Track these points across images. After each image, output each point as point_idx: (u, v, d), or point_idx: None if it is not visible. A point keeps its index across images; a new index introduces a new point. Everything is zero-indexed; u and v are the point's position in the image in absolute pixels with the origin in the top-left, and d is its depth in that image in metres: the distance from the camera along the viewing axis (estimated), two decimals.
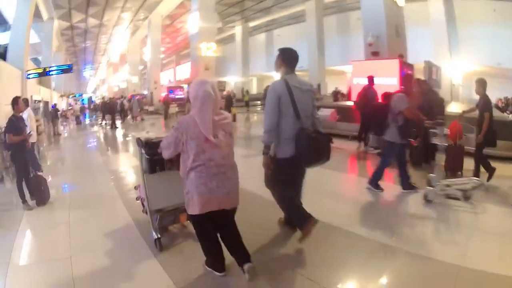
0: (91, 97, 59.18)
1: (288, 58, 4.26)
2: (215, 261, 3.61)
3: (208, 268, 3.68)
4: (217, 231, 3.58)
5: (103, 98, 43.96)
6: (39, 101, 26.82)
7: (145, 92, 43.06)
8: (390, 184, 6.75)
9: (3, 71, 18.21)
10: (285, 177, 4.21)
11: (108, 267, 4.06)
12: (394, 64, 13.31)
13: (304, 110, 4.09)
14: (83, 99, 53.25)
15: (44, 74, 25.03)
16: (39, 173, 7.13)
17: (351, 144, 11.17)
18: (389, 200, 6.14)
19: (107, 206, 6.37)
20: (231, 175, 3.42)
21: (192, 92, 3.43)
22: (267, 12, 38.39)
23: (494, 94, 23.68)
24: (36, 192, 6.56)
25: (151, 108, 36.16)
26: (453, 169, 7.44)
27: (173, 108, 29.65)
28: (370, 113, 8.84)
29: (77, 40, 44.88)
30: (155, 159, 4.25)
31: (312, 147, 3.96)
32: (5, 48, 22.84)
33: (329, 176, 7.50)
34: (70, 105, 45.12)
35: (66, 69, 27.18)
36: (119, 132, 20.99)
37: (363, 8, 17.30)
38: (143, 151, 4.37)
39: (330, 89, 32.64)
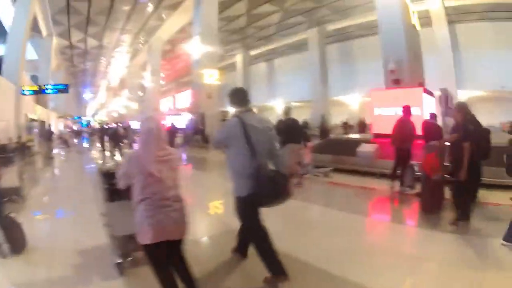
0: (89, 121, 58.98)
1: (237, 100, 4.31)
2: None
3: None
4: (169, 262, 3.60)
5: (100, 122, 43.71)
6: (35, 120, 26.47)
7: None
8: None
9: None
10: (249, 214, 4.18)
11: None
12: (418, 92, 12.61)
13: (261, 148, 4.03)
14: (82, 122, 53.10)
15: (39, 92, 24.85)
16: (11, 215, 5.52)
17: (381, 183, 9.71)
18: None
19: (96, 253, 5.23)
20: (177, 207, 3.46)
21: (139, 128, 3.63)
22: (268, 40, 38.39)
23: (498, 118, 24.09)
24: (9, 237, 5.20)
25: None
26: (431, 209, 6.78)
27: (179, 138, 27.84)
28: (408, 149, 8.61)
29: (77, 60, 45.13)
30: (113, 189, 4.52)
31: (271, 186, 3.93)
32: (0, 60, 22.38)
33: (358, 223, 6.58)
34: (68, 127, 44.68)
35: (62, 89, 26.93)
36: (112, 159, 18.67)
37: (382, 32, 16.41)
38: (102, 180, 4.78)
39: (334, 120, 32.27)
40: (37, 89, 24.41)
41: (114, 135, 19.61)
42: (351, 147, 11.99)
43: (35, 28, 28.13)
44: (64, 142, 27.82)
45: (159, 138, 3.48)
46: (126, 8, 29.70)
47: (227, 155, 4.19)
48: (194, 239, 5.11)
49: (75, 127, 45.22)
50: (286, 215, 6.40)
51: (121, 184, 3.55)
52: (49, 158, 19.75)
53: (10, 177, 8.69)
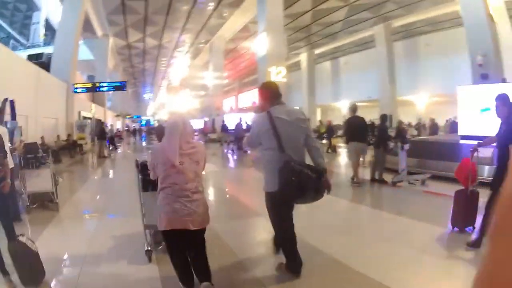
0: (149, 120, 60.23)
1: (268, 95, 4.24)
2: (183, 277, 3.77)
3: (181, 285, 3.82)
4: (184, 249, 3.78)
5: (158, 121, 43.93)
6: (89, 118, 26.19)
7: (206, 119, 41.97)
8: None
9: (43, 81, 17.55)
10: (276, 211, 4.17)
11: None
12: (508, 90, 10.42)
13: (292, 141, 3.96)
14: (141, 121, 53.94)
15: (93, 89, 24.64)
16: (21, 239, 4.14)
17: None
18: None
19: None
20: (196, 198, 3.58)
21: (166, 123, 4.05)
22: (333, 38, 36.39)
23: None
24: (20, 268, 3.99)
25: (213, 136, 33.69)
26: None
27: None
28: None
29: (135, 60, 45.97)
30: (147, 179, 4.69)
31: (295, 182, 3.74)
32: (49, 58, 22.56)
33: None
34: (126, 125, 45.16)
35: (118, 86, 26.76)
36: None
37: (467, 23, 15.28)
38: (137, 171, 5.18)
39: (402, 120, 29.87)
40: (90, 86, 23.90)
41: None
42: (442, 150, 11.46)
43: (89, 29, 28.85)
44: (113, 140, 27.26)
45: (184, 131, 3.57)
46: (186, 7, 28.80)
47: (260, 151, 4.11)
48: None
49: (134, 126, 45.55)
50: (376, 228, 6.25)
51: (152, 175, 3.76)
52: (101, 157, 19.47)
53: (43, 180, 7.64)
